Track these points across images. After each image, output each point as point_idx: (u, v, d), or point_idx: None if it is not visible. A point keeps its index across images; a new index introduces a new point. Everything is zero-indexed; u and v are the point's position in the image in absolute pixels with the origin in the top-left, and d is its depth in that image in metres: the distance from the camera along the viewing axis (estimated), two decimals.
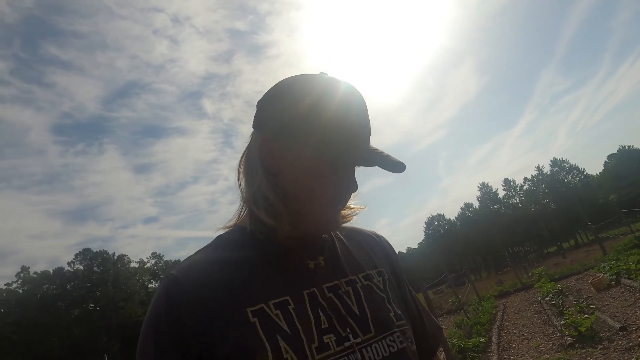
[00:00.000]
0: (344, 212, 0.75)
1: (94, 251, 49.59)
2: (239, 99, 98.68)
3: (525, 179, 60.67)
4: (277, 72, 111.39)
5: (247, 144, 0.72)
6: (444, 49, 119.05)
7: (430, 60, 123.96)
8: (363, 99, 0.67)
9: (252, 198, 0.67)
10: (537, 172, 59.62)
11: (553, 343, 5.90)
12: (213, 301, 0.59)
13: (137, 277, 52.22)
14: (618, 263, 9.97)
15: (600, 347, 4.93)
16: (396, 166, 0.64)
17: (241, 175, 0.71)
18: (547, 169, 59.13)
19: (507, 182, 61.19)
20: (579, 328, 5.48)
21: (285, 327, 0.58)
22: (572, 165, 58.47)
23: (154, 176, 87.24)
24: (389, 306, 0.70)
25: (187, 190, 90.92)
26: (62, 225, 75.78)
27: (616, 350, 4.65)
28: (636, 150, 60.35)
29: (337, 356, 0.59)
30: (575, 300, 8.03)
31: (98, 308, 45.67)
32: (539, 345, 6.06)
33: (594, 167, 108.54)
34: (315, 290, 0.64)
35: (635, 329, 5.09)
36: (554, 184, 56.99)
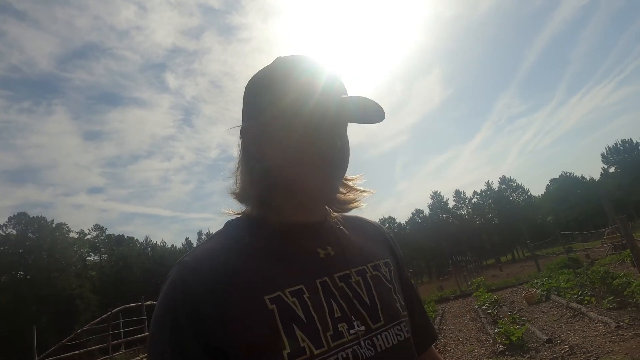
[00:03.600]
0: (350, 195, 0.77)
1: (31, 216, 46.66)
2: (205, 78, 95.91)
3: (475, 192, 63.74)
4: (246, 56, 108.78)
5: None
6: (415, 56, 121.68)
7: (400, 65, 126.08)
8: (321, 60, 0.69)
9: (242, 194, 0.70)
10: (486, 187, 62.71)
11: (486, 349, 6.29)
12: (231, 289, 0.58)
13: (75, 248, 49.67)
14: (550, 280, 10.74)
15: (528, 356, 5.33)
16: (373, 117, 0.66)
17: (235, 179, 0.73)
18: (495, 186, 62.37)
19: (457, 193, 63.86)
20: (511, 337, 5.87)
21: (302, 315, 0.59)
22: (518, 184, 61.96)
23: (105, 145, 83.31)
24: (395, 297, 0.72)
25: (139, 164, 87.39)
26: None
27: None
28: (576, 177, 64.94)
29: (350, 344, 0.60)
30: (509, 311, 8.57)
31: (29, 277, 43.06)
32: (473, 350, 6.44)
33: (538, 188, 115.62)
34: (327, 280, 0.65)
35: (560, 342, 5.54)
36: (500, 200, 60.15)
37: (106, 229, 54.84)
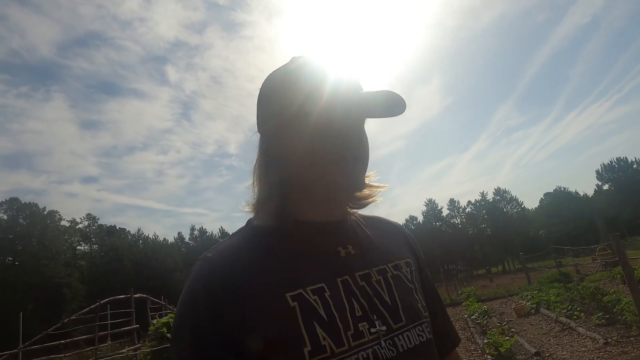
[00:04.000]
0: (366, 191, 0.76)
1: (22, 202, 46.26)
2: (205, 73, 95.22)
3: (469, 202, 63.90)
4: (248, 54, 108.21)
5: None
6: (416, 63, 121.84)
7: (401, 70, 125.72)
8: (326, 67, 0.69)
9: (264, 198, 0.70)
10: (480, 197, 62.90)
11: (474, 359, 6.30)
12: (252, 286, 0.59)
13: (66, 237, 49.29)
14: (540, 293, 10.79)
15: None
16: (392, 110, 0.66)
17: (254, 178, 0.73)
18: (490, 196, 62.59)
19: (452, 202, 64.02)
20: (499, 348, 5.88)
21: (322, 313, 0.59)
22: (513, 196, 62.18)
23: (102, 135, 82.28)
24: (416, 297, 0.71)
25: (135, 155, 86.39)
26: None
27: None
28: (569, 192, 65.33)
29: (371, 343, 0.60)
30: (498, 322, 8.59)
31: (17, 263, 42.66)
32: None
33: (532, 201, 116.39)
34: (348, 278, 0.65)
35: (548, 356, 5.56)
36: (494, 211, 60.35)
37: (98, 219, 54.44)
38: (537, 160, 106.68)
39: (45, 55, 73.78)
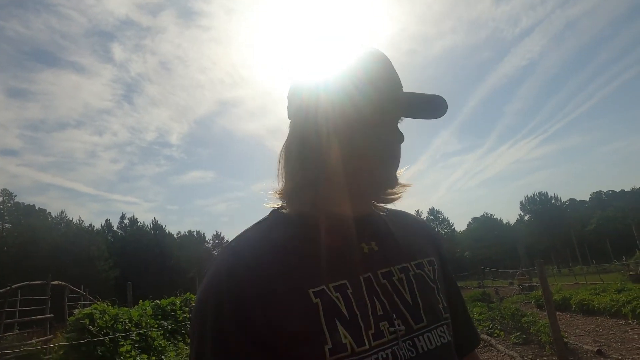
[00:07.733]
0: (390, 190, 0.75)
1: None
2: (154, 57, 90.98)
3: None
4: (202, 44, 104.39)
5: (286, 137, 0.72)
6: None
7: None
8: (378, 58, 0.69)
9: (297, 187, 0.67)
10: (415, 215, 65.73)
11: None
12: (276, 278, 0.58)
13: None
14: None
15: None
16: (434, 111, 0.66)
17: (282, 168, 0.70)
18: (424, 216, 65.63)
19: None
20: None
21: (344, 311, 0.58)
22: (445, 218, 65.85)
23: (31, 106, 75.87)
24: (438, 297, 0.69)
25: (66, 132, 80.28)
26: None
27: None
28: (495, 219, 70.31)
29: (391, 343, 0.59)
30: None
31: None
32: None
33: (461, 224, 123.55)
34: (371, 276, 0.63)
35: None
36: None
37: (15, 195, 49.73)
38: (469, 186, 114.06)
39: None
